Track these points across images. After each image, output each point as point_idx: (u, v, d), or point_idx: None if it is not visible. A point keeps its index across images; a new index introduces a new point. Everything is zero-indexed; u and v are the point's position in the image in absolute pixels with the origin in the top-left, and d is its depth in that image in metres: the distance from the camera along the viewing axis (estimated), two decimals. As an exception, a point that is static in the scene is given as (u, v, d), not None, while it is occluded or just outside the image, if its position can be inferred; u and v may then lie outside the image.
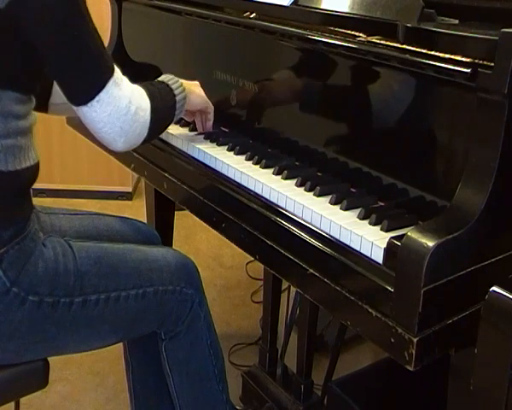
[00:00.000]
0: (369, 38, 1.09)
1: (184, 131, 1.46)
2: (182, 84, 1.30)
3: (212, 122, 1.41)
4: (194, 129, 1.45)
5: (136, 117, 1.14)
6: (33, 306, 1.10)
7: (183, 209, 1.42)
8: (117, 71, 1.12)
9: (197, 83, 1.39)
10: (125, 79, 1.15)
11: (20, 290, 1.09)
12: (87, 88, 1.08)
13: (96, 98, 1.08)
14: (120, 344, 1.49)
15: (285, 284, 1.83)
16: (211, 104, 1.39)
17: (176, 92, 1.27)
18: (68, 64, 1.07)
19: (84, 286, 1.15)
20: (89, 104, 1.08)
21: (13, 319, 1.09)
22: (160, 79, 1.30)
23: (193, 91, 1.34)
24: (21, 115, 1.09)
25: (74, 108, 1.10)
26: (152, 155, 1.50)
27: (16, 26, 1.01)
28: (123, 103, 1.11)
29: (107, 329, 1.21)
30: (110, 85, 1.09)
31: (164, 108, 1.25)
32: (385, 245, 0.92)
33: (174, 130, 1.44)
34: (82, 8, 1.05)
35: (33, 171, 1.14)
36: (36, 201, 1.19)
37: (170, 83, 1.28)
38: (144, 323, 1.26)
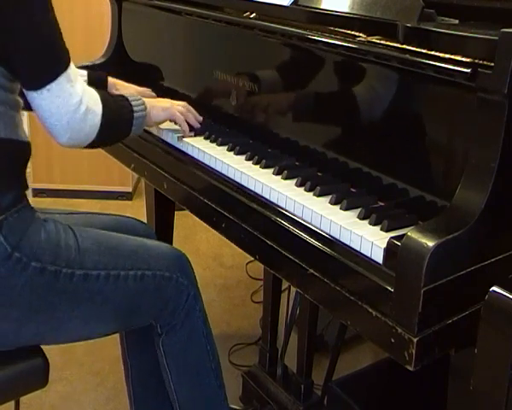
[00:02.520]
0: (369, 38, 1.09)
1: (184, 131, 1.46)
2: (143, 103, 1.33)
3: (186, 126, 1.42)
4: (193, 129, 1.45)
5: (86, 118, 1.16)
6: (36, 272, 1.13)
7: (183, 209, 1.42)
8: (72, 68, 1.14)
9: (163, 98, 1.45)
10: (79, 80, 1.17)
11: (22, 256, 1.12)
12: (39, 74, 1.11)
13: (47, 87, 1.10)
14: (119, 344, 1.49)
15: (285, 284, 1.83)
16: (177, 113, 1.41)
17: (135, 109, 1.30)
18: (23, 47, 1.08)
19: (84, 261, 1.18)
20: (38, 91, 1.10)
21: (16, 284, 1.12)
22: (123, 95, 1.35)
23: (155, 107, 1.38)
24: (9, 89, 1.12)
25: (24, 91, 1.12)
26: (152, 155, 1.50)
27: None
28: (73, 100, 1.13)
29: (108, 309, 1.22)
30: (62, 79, 1.11)
31: (118, 118, 1.28)
32: (385, 245, 0.92)
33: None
34: None
35: (26, 147, 1.18)
36: (36, 201, 1.21)
37: (130, 98, 1.32)
38: (143, 309, 1.28)
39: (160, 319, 1.30)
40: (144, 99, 1.35)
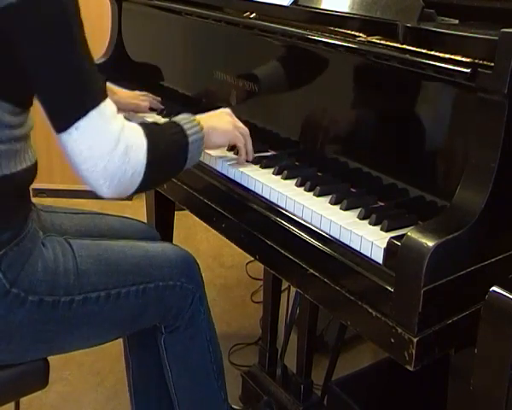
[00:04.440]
0: (369, 38, 1.09)
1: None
2: (198, 124, 1.17)
3: (245, 153, 1.25)
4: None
5: (127, 158, 1.03)
6: (33, 306, 1.10)
7: (183, 209, 1.42)
8: (108, 104, 1.03)
9: (225, 111, 1.27)
10: (118, 116, 1.05)
11: (20, 291, 1.08)
12: (66, 112, 1.00)
13: (75, 125, 0.99)
14: (121, 344, 1.49)
15: (285, 284, 1.83)
16: (240, 138, 1.25)
17: (188, 132, 1.14)
18: (49, 84, 1.00)
19: (84, 284, 1.15)
20: (67, 131, 0.99)
21: (13, 320, 1.09)
22: (174, 119, 1.19)
23: (215, 129, 1.21)
24: (15, 125, 1.05)
25: (56, 138, 1.02)
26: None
27: (5, 36, 0.97)
28: (108, 139, 1.01)
29: (108, 326, 1.21)
30: (93, 115, 1.00)
31: (168, 151, 1.13)
32: (385, 245, 0.92)
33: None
34: (77, 28, 0.99)
35: (31, 171, 1.12)
36: (36, 201, 1.19)
37: (182, 122, 1.16)
38: (145, 318, 1.26)
39: (164, 321, 1.29)
40: (199, 117, 1.18)
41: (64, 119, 1.00)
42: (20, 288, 1.08)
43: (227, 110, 1.28)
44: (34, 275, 1.10)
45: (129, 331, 1.33)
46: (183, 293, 1.27)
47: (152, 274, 1.23)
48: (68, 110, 1.00)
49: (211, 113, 1.25)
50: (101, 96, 1.03)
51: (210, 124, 1.20)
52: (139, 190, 1.09)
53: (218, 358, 1.38)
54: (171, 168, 1.17)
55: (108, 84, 1.47)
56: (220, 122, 1.23)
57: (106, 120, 1.02)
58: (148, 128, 1.11)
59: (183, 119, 1.17)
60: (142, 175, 1.06)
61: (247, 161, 1.26)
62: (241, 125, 1.27)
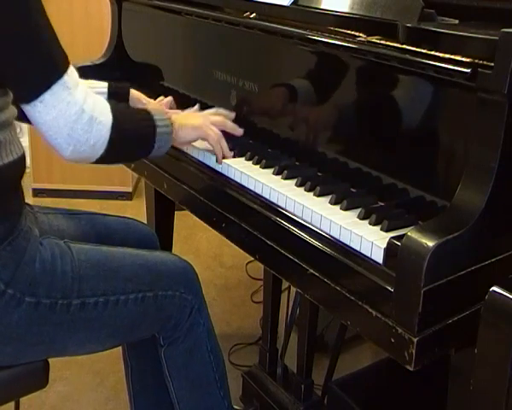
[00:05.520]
0: (369, 38, 1.09)
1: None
2: (168, 118, 1.22)
3: (219, 148, 1.27)
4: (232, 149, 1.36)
5: (90, 128, 1.07)
6: (30, 307, 1.09)
7: (183, 209, 1.42)
8: (70, 74, 1.05)
9: (195, 112, 1.34)
10: (81, 87, 1.08)
11: (16, 292, 1.07)
12: (30, 86, 1.02)
13: (40, 98, 1.01)
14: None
15: (285, 284, 1.83)
16: (211, 134, 1.27)
17: (158, 124, 1.19)
18: (9, 58, 1.00)
19: (82, 289, 1.14)
20: (31, 104, 1.02)
21: (10, 321, 1.08)
22: (147, 109, 1.24)
23: (184, 125, 1.26)
24: None
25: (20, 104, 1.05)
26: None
27: None
28: (72, 109, 1.04)
29: (106, 332, 1.20)
30: (57, 87, 1.02)
31: (134, 133, 1.18)
32: (385, 245, 0.92)
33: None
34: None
35: (19, 164, 1.11)
36: (36, 201, 1.19)
37: (154, 113, 1.21)
38: (143, 327, 1.26)
39: (163, 331, 1.28)
40: (174, 116, 1.24)
41: (28, 93, 1.02)
42: (16, 288, 1.07)
43: (195, 112, 1.35)
44: (32, 276, 1.09)
45: (127, 340, 1.33)
46: (181, 303, 1.26)
47: (151, 283, 1.22)
48: (31, 85, 1.02)
49: (184, 112, 1.31)
50: (64, 66, 1.04)
51: (180, 121, 1.26)
52: (101, 162, 1.14)
53: (221, 366, 1.37)
54: (134, 150, 1.22)
55: (134, 91, 1.48)
56: (190, 120, 1.29)
57: (69, 92, 1.04)
58: (118, 107, 1.15)
59: (155, 110, 1.23)
60: (103, 148, 1.11)
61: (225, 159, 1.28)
62: (214, 118, 1.30)
